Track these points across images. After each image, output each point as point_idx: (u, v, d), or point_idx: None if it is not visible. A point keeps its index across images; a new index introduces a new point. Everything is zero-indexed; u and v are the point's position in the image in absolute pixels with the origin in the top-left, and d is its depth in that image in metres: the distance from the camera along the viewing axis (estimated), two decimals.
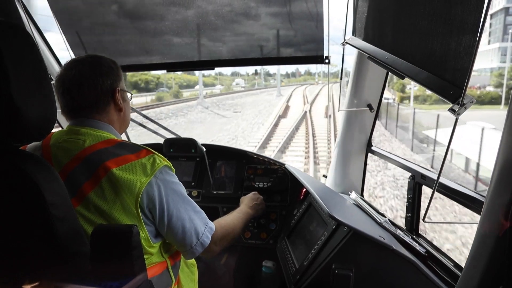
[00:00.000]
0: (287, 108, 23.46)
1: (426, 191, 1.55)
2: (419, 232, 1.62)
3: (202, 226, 1.27)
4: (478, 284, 0.71)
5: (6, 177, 0.89)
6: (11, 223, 0.91)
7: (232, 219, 1.54)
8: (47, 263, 0.95)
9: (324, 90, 46.83)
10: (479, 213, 1.12)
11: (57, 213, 0.90)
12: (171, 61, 2.21)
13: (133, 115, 1.67)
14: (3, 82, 0.81)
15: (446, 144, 1.08)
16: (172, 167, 1.23)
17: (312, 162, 9.32)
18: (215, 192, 2.19)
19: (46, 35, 2.21)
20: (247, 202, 1.80)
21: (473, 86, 37.04)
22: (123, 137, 1.49)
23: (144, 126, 2.44)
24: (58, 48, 2.27)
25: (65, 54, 2.11)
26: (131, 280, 0.91)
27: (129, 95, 1.37)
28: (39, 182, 0.87)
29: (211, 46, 2.09)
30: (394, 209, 6.25)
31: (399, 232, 1.50)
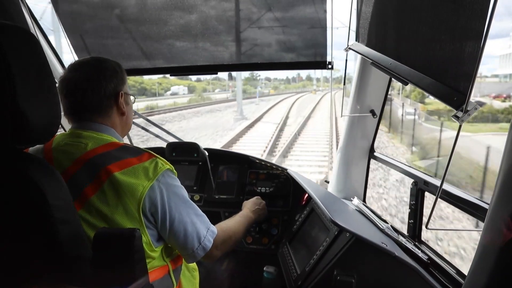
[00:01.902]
0: None
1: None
2: (422, 238, 1.61)
3: (204, 230, 1.26)
4: None
5: (9, 179, 0.88)
6: (13, 225, 0.91)
7: (234, 223, 1.53)
8: (49, 266, 0.95)
9: (324, 103, 33.31)
10: (482, 220, 1.12)
11: (60, 216, 0.90)
12: (174, 65, 2.21)
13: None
14: (8, 84, 0.81)
15: None
16: (175, 170, 1.23)
17: None
18: (217, 197, 2.18)
19: (50, 38, 2.22)
20: (249, 206, 1.80)
21: (501, 95, 28.65)
22: (125, 140, 1.48)
23: (147, 130, 2.44)
24: (62, 51, 2.28)
25: (69, 57, 2.13)
26: (133, 284, 0.91)
27: (132, 98, 1.37)
28: (42, 185, 0.86)
29: (214, 50, 2.10)
30: None
31: (401, 238, 1.49)
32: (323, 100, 37.46)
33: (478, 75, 0.96)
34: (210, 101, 37.74)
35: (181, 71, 2.24)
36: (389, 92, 1.93)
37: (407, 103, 21.51)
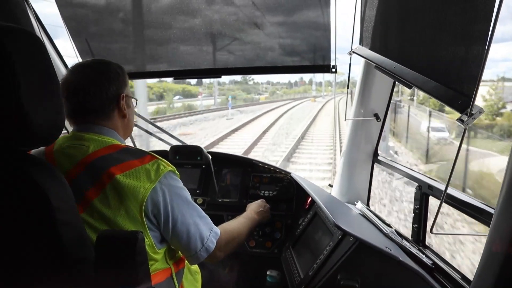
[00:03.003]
0: None
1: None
2: (426, 243, 1.59)
3: (207, 231, 1.26)
4: None
5: (12, 181, 0.89)
6: (16, 227, 0.91)
7: (238, 224, 1.53)
8: (51, 269, 0.95)
9: (324, 116, 23.48)
10: (487, 225, 1.11)
11: (63, 218, 0.89)
12: (178, 68, 2.22)
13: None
14: (13, 87, 0.81)
15: None
16: (177, 172, 1.22)
17: None
18: (220, 200, 2.18)
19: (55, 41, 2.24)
20: (254, 207, 1.80)
21: None
22: (129, 142, 1.49)
23: (151, 133, 2.45)
24: (66, 55, 2.29)
25: (74, 60, 2.14)
26: (135, 287, 0.91)
27: (134, 101, 1.37)
28: (45, 187, 0.86)
29: (218, 54, 2.11)
30: None
31: (405, 243, 1.48)
32: (323, 113, 26.06)
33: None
34: (177, 113, 25.07)
35: (185, 74, 2.25)
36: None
37: (426, 112, 15.35)
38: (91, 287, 0.95)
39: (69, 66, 2.22)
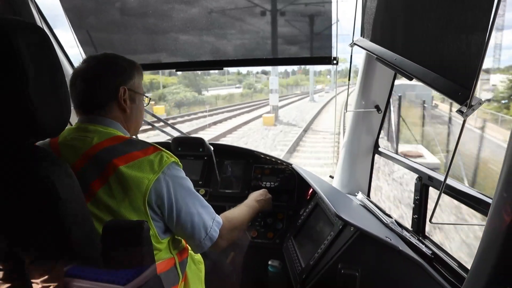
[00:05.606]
0: None
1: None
2: (426, 233, 1.61)
3: (210, 221, 1.28)
4: (485, 285, 0.71)
5: (21, 173, 0.90)
6: (24, 219, 0.93)
7: (239, 212, 1.56)
8: (60, 260, 0.96)
9: None
10: (486, 214, 1.12)
11: (71, 211, 0.91)
12: (179, 60, 2.22)
13: None
14: (22, 81, 0.82)
15: None
16: (180, 163, 1.24)
17: None
18: (222, 191, 2.20)
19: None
20: (255, 196, 1.83)
21: None
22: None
23: (153, 125, 2.46)
24: (68, 46, 2.30)
25: (75, 51, 2.15)
26: (141, 275, 0.92)
27: (146, 99, 1.38)
28: (53, 179, 0.87)
29: (218, 44, 2.10)
30: None
31: (405, 233, 1.50)
32: None
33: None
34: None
35: (187, 66, 2.25)
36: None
37: (497, 124, 10.88)
38: (97, 275, 0.97)
39: (70, 57, 2.23)
